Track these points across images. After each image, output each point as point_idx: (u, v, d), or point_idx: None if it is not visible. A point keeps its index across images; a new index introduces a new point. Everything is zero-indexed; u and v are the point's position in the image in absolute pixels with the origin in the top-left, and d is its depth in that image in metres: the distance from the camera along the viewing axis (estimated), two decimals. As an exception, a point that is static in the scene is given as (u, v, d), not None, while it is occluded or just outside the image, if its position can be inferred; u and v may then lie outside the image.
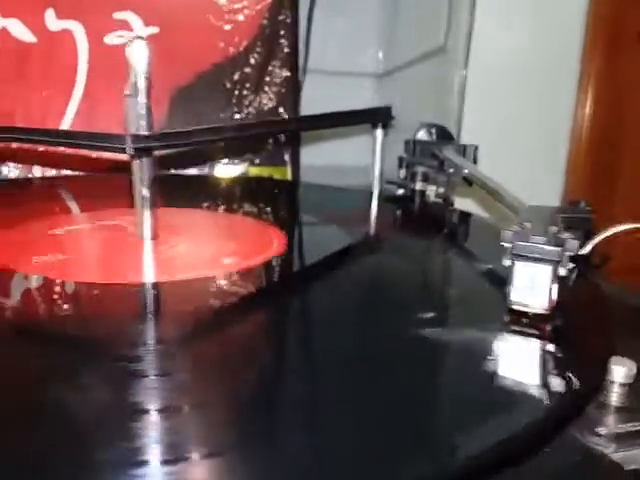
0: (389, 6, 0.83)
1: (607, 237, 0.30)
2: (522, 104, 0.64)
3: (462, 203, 0.54)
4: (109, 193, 0.51)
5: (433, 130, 0.55)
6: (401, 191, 0.54)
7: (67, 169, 0.60)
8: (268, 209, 0.52)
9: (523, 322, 0.26)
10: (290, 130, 0.60)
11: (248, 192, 0.59)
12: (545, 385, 0.22)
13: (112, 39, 0.60)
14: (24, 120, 0.58)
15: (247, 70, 0.64)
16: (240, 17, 0.63)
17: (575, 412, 0.21)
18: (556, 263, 0.26)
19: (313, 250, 0.40)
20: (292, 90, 0.67)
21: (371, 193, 0.53)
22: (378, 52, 0.86)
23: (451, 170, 0.49)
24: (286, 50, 0.65)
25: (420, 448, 0.18)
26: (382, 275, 0.35)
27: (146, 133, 0.32)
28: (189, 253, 0.35)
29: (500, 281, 0.29)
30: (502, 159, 0.58)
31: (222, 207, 0.51)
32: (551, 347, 0.24)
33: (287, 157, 0.66)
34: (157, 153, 0.34)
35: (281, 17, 0.64)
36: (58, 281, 0.30)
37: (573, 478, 0.20)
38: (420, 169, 0.52)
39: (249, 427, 0.19)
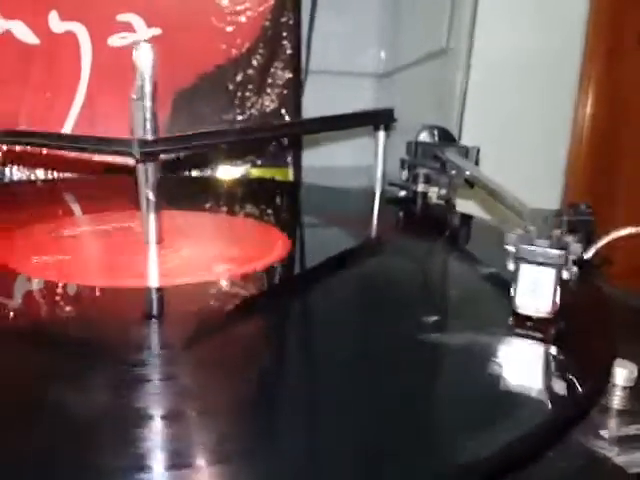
0: (391, 7, 0.83)
1: (609, 241, 0.30)
2: (523, 104, 0.64)
3: (464, 205, 0.55)
4: (110, 195, 0.51)
5: (435, 132, 0.55)
6: (403, 193, 0.54)
7: (65, 171, 0.61)
8: (272, 211, 0.52)
9: (526, 325, 0.26)
10: (294, 133, 0.61)
11: (251, 194, 0.59)
12: (549, 389, 0.22)
13: (115, 41, 0.60)
14: (27, 121, 0.58)
15: (249, 72, 0.64)
16: (242, 19, 0.63)
17: (579, 416, 0.22)
18: (560, 266, 0.26)
19: (316, 254, 0.41)
20: (294, 91, 0.67)
21: (373, 194, 0.53)
22: (380, 53, 0.87)
23: (453, 172, 0.49)
24: (288, 52, 0.65)
25: (424, 452, 0.18)
26: (386, 278, 0.35)
27: (153, 138, 0.32)
28: (193, 257, 0.35)
29: (502, 284, 0.29)
30: (502, 159, 0.58)
31: (224, 209, 0.51)
32: (555, 351, 0.25)
33: (289, 158, 0.67)
34: (162, 156, 0.34)
35: (283, 19, 0.64)
36: (58, 283, 0.30)
37: (577, 482, 0.20)
38: (422, 171, 0.52)
39: (252, 434, 0.19)
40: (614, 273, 0.34)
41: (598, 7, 0.64)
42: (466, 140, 0.59)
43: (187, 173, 0.64)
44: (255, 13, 0.63)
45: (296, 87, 0.67)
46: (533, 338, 0.25)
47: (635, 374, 0.23)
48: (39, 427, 0.18)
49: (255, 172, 0.66)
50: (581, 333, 0.27)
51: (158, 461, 0.17)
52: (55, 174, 0.60)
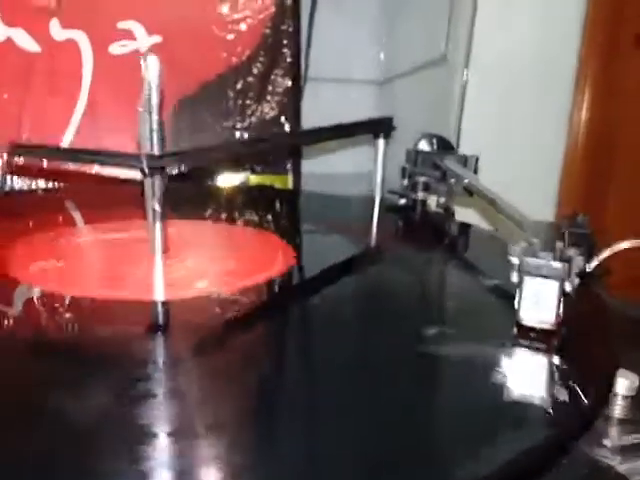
0: (389, 15, 0.84)
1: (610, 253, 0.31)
2: (518, 108, 0.65)
3: (463, 213, 0.55)
4: (112, 204, 0.51)
5: (434, 140, 0.55)
6: (403, 201, 0.54)
7: (66, 182, 0.61)
8: (273, 219, 0.52)
9: (529, 336, 0.27)
10: (297, 143, 0.61)
11: (251, 201, 0.60)
12: (554, 401, 0.22)
13: (116, 48, 0.60)
14: (29, 128, 0.58)
15: (250, 79, 0.64)
16: (243, 27, 0.63)
17: (584, 427, 0.22)
18: (563, 279, 0.26)
19: (318, 263, 0.41)
20: (294, 99, 0.67)
21: (373, 202, 0.54)
22: (378, 60, 0.87)
23: (452, 180, 0.50)
24: (288, 59, 0.65)
25: (433, 463, 0.19)
26: (387, 288, 0.36)
27: (161, 153, 0.32)
28: (198, 267, 0.36)
29: (503, 294, 0.30)
30: (498, 163, 0.59)
31: (224, 217, 0.51)
32: (557, 361, 0.25)
33: (288, 165, 0.67)
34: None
35: (284, 26, 0.65)
36: (53, 292, 0.31)
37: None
38: (421, 179, 0.53)
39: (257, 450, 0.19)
40: (612, 283, 0.35)
41: (595, 10, 0.64)
42: (462, 144, 0.60)
43: (188, 180, 0.64)
44: (255, 21, 0.64)
45: (296, 94, 0.67)
46: (537, 349, 0.26)
47: (637, 383, 0.24)
48: (40, 436, 0.18)
49: (254, 179, 0.67)
50: (584, 344, 0.27)
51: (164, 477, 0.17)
52: (56, 184, 0.60)
